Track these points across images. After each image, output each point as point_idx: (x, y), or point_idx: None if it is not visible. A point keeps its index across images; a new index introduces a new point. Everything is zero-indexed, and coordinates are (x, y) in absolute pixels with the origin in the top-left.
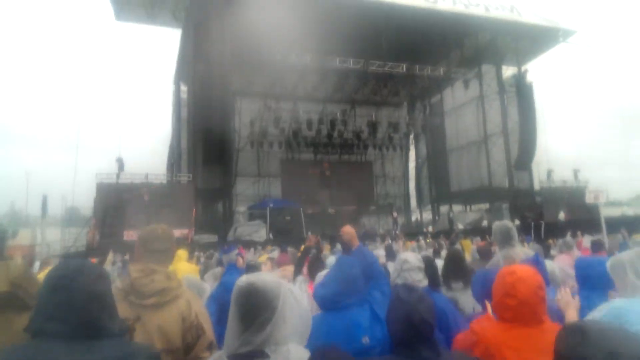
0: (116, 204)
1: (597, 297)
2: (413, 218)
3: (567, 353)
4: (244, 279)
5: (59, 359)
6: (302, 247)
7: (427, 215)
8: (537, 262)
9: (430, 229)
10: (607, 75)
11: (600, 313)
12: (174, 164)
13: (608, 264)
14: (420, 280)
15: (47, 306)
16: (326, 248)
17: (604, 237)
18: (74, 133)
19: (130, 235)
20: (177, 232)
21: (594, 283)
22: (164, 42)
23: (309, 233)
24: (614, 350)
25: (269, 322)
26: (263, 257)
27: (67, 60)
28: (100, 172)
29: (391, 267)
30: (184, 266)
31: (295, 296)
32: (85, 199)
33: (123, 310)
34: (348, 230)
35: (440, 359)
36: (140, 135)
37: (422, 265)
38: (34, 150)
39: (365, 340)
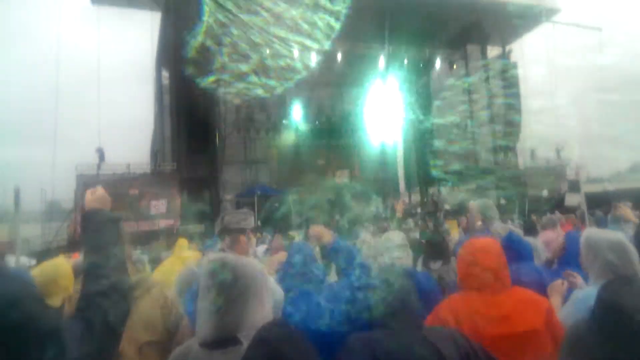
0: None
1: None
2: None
3: (610, 297)
4: (213, 256)
5: None
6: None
7: (416, 198)
8: (519, 242)
9: (418, 210)
10: (589, 53)
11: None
12: (157, 152)
13: (583, 238)
14: (402, 257)
15: None
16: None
17: (585, 213)
18: (50, 123)
19: None
20: (163, 223)
21: (571, 258)
22: (144, 26)
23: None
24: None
25: (242, 302)
26: None
27: (41, 48)
28: (80, 163)
29: None
30: (188, 255)
31: (271, 282)
32: (65, 192)
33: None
34: (314, 233)
35: (421, 332)
36: (121, 124)
37: (405, 243)
38: (8, 142)
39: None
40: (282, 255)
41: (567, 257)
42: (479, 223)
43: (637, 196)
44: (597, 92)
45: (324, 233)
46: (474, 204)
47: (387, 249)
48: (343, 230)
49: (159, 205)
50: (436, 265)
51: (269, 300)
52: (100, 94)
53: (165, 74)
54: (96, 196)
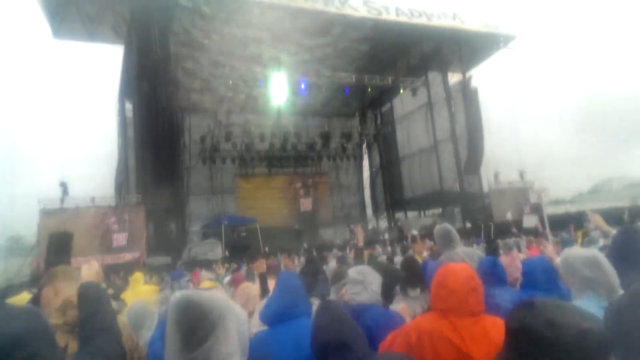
0: (62, 230)
1: (540, 296)
2: (370, 227)
3: (515, 324)
4: (178, 294)
5: None
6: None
7: (384, 223)
8: (494, 265)
9: (386, 236)
10: (546, 78)
11: None
12: (122, 185)
13: (561, 258)
14: (358, 293)
15: None
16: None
17: (548, 235)
18: (11, 158)
19: (78, 262)
20: (129, 256)
21: (537, 281)
22: (106, 59)
23: (266, 249)
24: (554, 320)
25: (209, 337)
26: (206, 284)
27: (1, 81)
28: (43, 197)
29: None
30: (142, 289)
31: (237, 313)
32: (28, 228)
33: (73, 344)
34: (258, 266)
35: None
36: (84, 157)
37: (361, 278)
38: None
39: None
40: (250, 288)
41: (528, 282)
42: (435, 248)
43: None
44: (558, 115)
45: (263, 267)
46: (437, 229)
47: (345, 285)
48: (311, 258)
49: (123, 238)
50: (415, 292)
51: (236, 334)
52: (63, 128)
53: (128, 106)
54: (92, 271)
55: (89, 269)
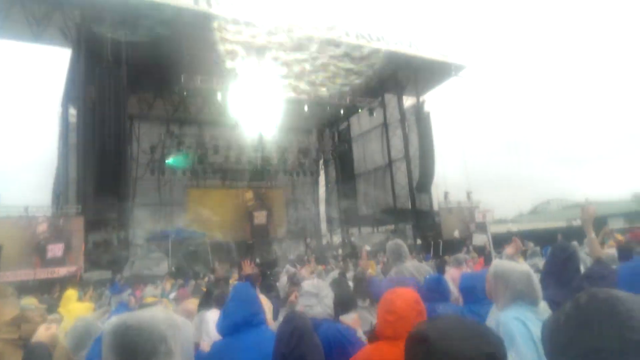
0: None
1: (482, 309)
2: (324, 242)
3: None
4: (113, 319)
5: None
6: (208, 278)
7: (338, 239)
8: (439, 282)
9: (340, 251)
10: (494, 106)
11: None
12: (60, 194)
13: (492, 269)
14: (312, 305)
15: None
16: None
17: (491, 251)
18: None
19: (7, 277)
20: (64, 270)
21: (478, 295)
22: (49, 62)
23: (216, 263)
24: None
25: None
26: (150, 299)
27: None
28: None
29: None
30: (75, 307)
31: (180, 327)
32: None
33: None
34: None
35: None
36: (19, 164)
37: (315, 291)
38: None
39: None
40: (190, 304)
41: (468, 296)
42: (370, 271)
43: (537, 236)
44: (500, 139)
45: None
46: (389, 244)
47: (300, 297)
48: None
49: (59, 249)
50: (365, 303)
51: (178, 348)
52: None
53: (72, 111)
54: (49, 333)
55: (46, 329)
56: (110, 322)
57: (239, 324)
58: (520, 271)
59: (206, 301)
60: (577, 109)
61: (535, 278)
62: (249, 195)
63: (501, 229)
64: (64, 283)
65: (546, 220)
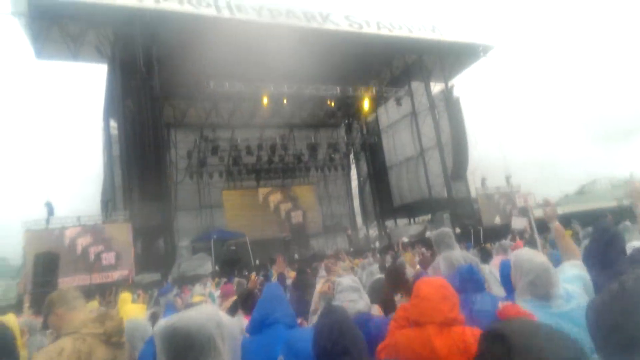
0: (47, 250)
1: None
2: (360, 235)
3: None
4: (162, 322)
5: None
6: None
7: (374, 232)
8: (471, 272)
9: (377, 244)
10: (529, 85)
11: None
12: (108, 203)
13: (512, 259)
14: (355, 300)
15: None
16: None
17: (536, 237)
18: None
19: (66, 282)
20: (117, 274)
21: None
22: (90, 78)
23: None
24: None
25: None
26: (197, 298)
27: None
28: (27, 219)
29: None
30: (130, 308)
31: (227, 325)
32: (13, 249)
33: (102, 353)
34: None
35: None
36: (69, 176)
37: (356, 285)
38: None
39: (280, 359)
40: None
41: (507, 285)
42: (426, 254)
43: (584, 218)
44: (542, 119)
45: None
46: (434, 232)
47: (339, 293)
48: (302, 270)
49: (112, 257)
50: (397, 297)
51: (225, 345)
52: (47, 148)
53: (113, 124)
54: None
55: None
56: (159, 325)
57: (256, 323)
58: (535, 262)
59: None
60: (618, 81)
61: (552, 271)
62: (283, 193)
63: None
64: (117, 287)
65: (594, 201)
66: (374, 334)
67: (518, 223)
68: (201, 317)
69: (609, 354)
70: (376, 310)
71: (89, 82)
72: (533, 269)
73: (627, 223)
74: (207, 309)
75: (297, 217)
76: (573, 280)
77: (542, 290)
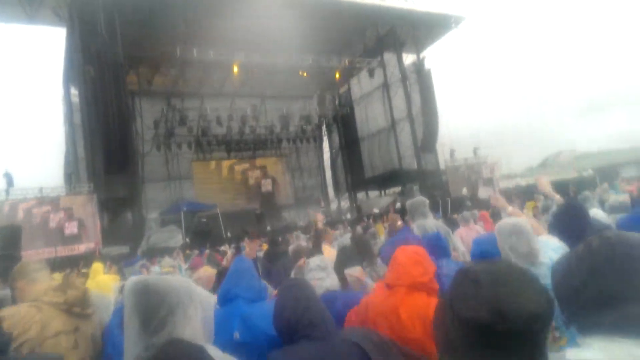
0: (9, 223)
1: None
2: (333, 207)
3: (458, 304)
4: (134, 278)
5: None
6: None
7: (346, 204)
8: (438, 239)
9: (348, 216)
10: (499, 58)
11: None
12: (71, 174)
13: (495, 228)
14: (322, 278)
15: None
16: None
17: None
18: None
19: (30, 256)
20: (83, 247)
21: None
22: (48, 43)
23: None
24: (502, 311)
25: (168, 321)
26: (165, 269)
27: None
28: None
29: None
30: (103, 279)
31: (200, 296)
32: None
33: (62, 322)
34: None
35: (339, 335)
36: (29, 146)
37: (324, 264)
38: None
39: (236, 335)
40: (204, 272)
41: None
42: (399, 223)
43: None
44: (505, 92)
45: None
46: (410, 201)
47: (308, 272)
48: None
49: (74, 226)
50: (363, 264)
51: (197, 315)
52: (4, 117)
53: (74, 91)
54: None
55: None
56: (130, 280)
57: (220, 297)
58: (513, 223)
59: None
60: (587, 56)
61: (529, 230)
62: (254, 165)
63: (510, 183)
64: (85, 260)
65: (557, 173)
66: (342, 311)
67: (484, 193)
68: (173, 280)
69: (574, 313)
70: (358, 271)
71: (47, 46)
72: (513, 231)
73: (587, 192)
74: (181, 278)
75: (266, 185)
76: (557, 250)
77: (524, 249)
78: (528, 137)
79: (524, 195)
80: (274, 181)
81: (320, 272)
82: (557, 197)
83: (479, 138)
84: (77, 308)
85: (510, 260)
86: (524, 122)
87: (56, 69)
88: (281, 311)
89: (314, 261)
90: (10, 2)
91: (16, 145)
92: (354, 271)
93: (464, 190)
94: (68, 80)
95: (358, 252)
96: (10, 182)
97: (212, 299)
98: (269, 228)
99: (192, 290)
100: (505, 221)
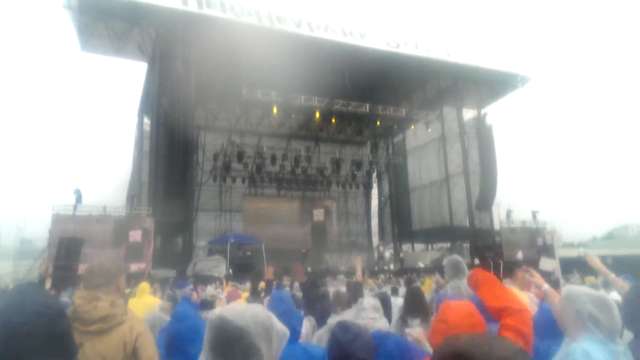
0: (72, 236)
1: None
2: (375, 256)
3: None
4: (215, 312)
5: None
6: (262, 282)
7: (390, 254)
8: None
9: (391, 266)
10: (563, 119)
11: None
12: (134, 197)
13: (564, 294)
14: (375, 318)
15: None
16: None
17: (559, 278)
18: (31, 163)
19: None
20: (135, 267)
21: (556, 330)
22: (130, 75)
23: (267, 266)
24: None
25: (249, 355)
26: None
27: (27, 87)
28: (56, 203)
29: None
30: (148, 299)
31: (277, 330)
32: (40, 231)
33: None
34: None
35: None
36: (101, 167)
37: (377, 306)
38: None
39: None
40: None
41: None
42: (441, 281)
43: (611, 264)
44: (570, 155)
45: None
46: (447, 259)
47: (361, 310)
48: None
49: (131, 248)
50: (414, 322)
51: (275, 346)
52: (82, 138)
53: (146, 121)
54: None
55: None
56: (213, 312)
57: None
58: (595, 294)
59: (253, 300)
60: None
61: (614, 305)
62: (303, 205)
63: (571, 253)
64: (134, 278)
65: (623, 247)
66: (393, 353)
67: (547, 265)
68: (252, 312)
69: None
70: (419, 333)
71: (128, 78)
72: (593, 301)
73: None
74: (261, 308)
75: (318, 215)
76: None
77: (604, 327)
78: (592, 205)
79: (586, 268)
80: (326, 211)
81: (374, 312)
82: (613, 277)
83: (539, 201)
84: (75, 323)
85: (572, 329)
86: (589, 188)
87: (134, 99)
88: (336, 348)
89: (369, 301)
90: (101, 34)
91: (89, 166)
92: (415, 332)
93: (519, 255)
94: (143, 110)
95: (411, 307)
96: (79, 198)
97: (287, 333)
98: (309, 269)
99: (272, 325)
100: (577, 287)
